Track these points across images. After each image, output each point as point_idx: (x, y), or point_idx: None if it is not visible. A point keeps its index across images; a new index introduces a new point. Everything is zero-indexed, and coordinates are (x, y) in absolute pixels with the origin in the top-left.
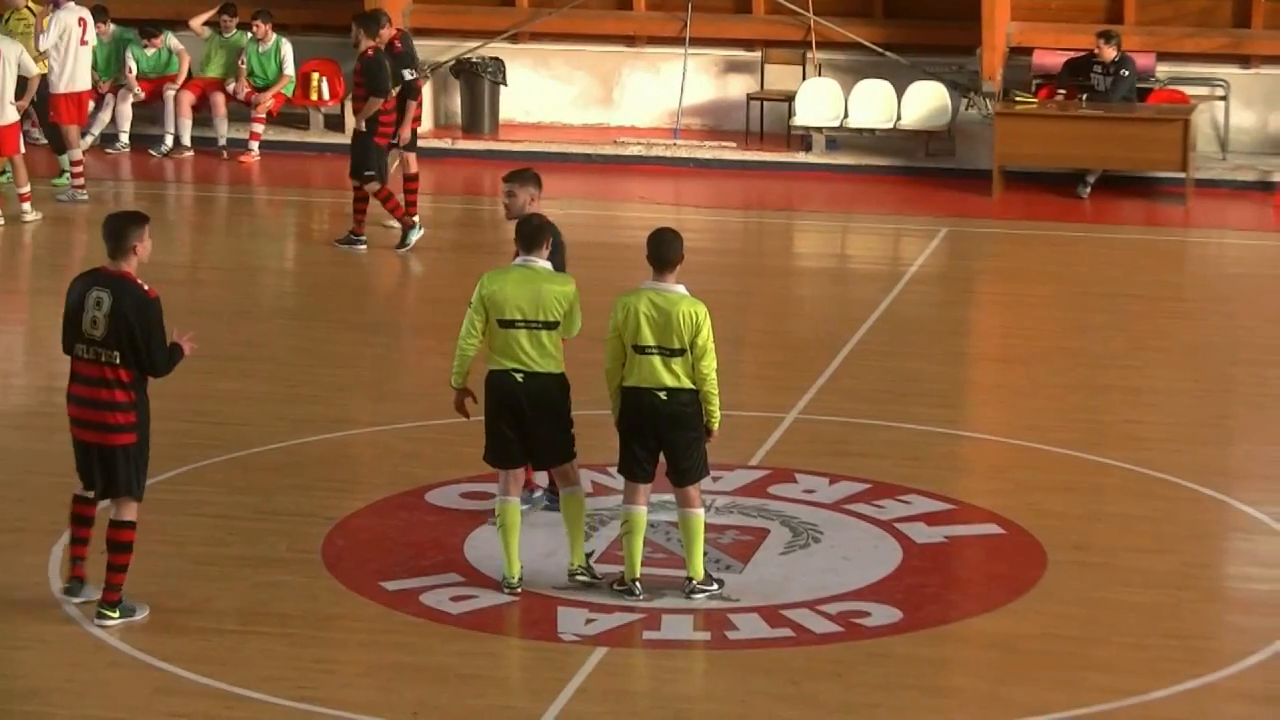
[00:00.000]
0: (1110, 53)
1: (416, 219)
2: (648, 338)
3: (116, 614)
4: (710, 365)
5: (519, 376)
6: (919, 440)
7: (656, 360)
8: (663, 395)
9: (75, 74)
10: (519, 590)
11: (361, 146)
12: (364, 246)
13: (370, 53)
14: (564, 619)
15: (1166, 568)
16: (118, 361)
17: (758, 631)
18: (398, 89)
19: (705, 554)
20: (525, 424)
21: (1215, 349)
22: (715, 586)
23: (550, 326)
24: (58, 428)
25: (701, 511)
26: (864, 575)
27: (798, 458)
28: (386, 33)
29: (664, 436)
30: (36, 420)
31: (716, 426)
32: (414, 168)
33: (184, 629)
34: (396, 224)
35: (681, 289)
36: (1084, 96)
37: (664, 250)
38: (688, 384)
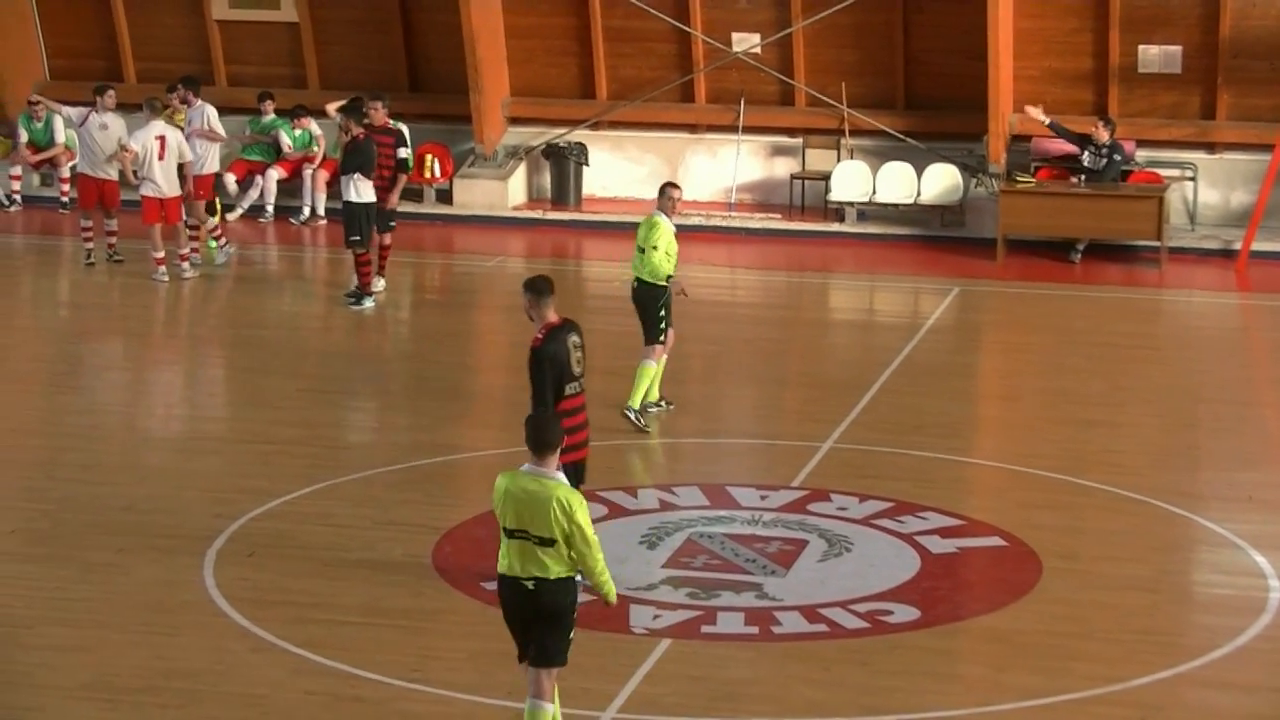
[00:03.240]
0: (1104, 135)
1: (382, 284)
2: (516, 522)
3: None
4: (592, 556)
5: (529, 584)
6: (933, 466)
7: (526, 546)
8: (530, 585)
9: (208, 160)
10: None
11: (349, 214)
12: (371, 302)
13: (360, 137)
14: (635, 615)
15: (1142, 574)
16: None
17: (797, 626)
18: (392, 164)
19: (754, 560)
20: (529, 627)
21: (1182, 390)
22: None
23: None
24: (206, 450)
25: (550, 706)
26: (888, 580)
27: (832, 480)
28: (379, 116)
29: (531, 627)
30: (189, 444)
31: (613, 598)
32: (388, 240)
33: (314, 620)
34: (354, 283)
35: (559, 476)
36: (1081, 177)
37: (542, 434)
38: (560, 573)
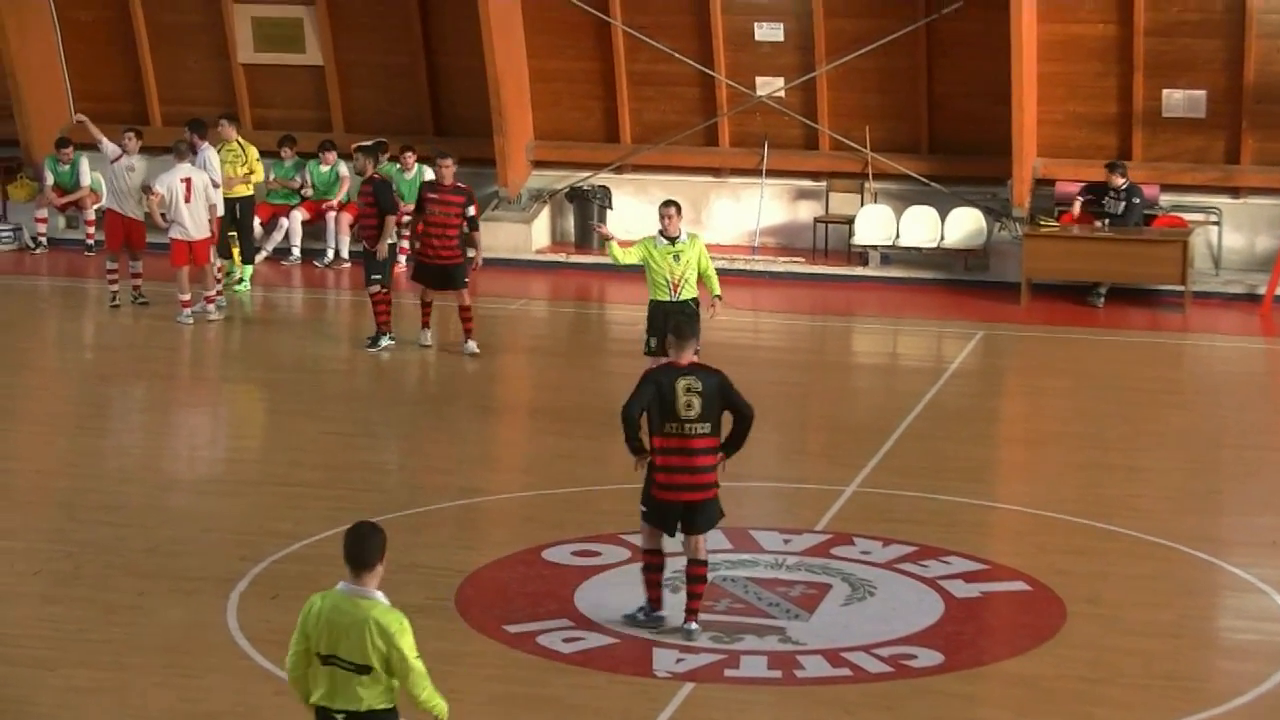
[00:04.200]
0: (1119, 180)
1: (474, 346)
2: (329, 647)
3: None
4: (416, 683)
5: (339, 718)
6: (957, 510)
7: (339, 674)
8: (340, 719)
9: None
10: None
11: (370, 256)
12: (386, 342)
13: (377, 175)
14: (659, 658)
15: (1165, 619)
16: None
17: (821, 670)
18: (459, 222)
19: (777, 604)
20: None
21: (1205, 434)
22: None
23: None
24: (230, 492)
25: None
26: (911, 624)
27: (855, 524)
28: (447, 174)
29: None
30: (213, 486)
31: (445, 717)
32: (468, 298)
33: None
34: (373, 325)
35: (379, 596)
36: (1105, 221)
37: (360, 549)
38: (375, 704)
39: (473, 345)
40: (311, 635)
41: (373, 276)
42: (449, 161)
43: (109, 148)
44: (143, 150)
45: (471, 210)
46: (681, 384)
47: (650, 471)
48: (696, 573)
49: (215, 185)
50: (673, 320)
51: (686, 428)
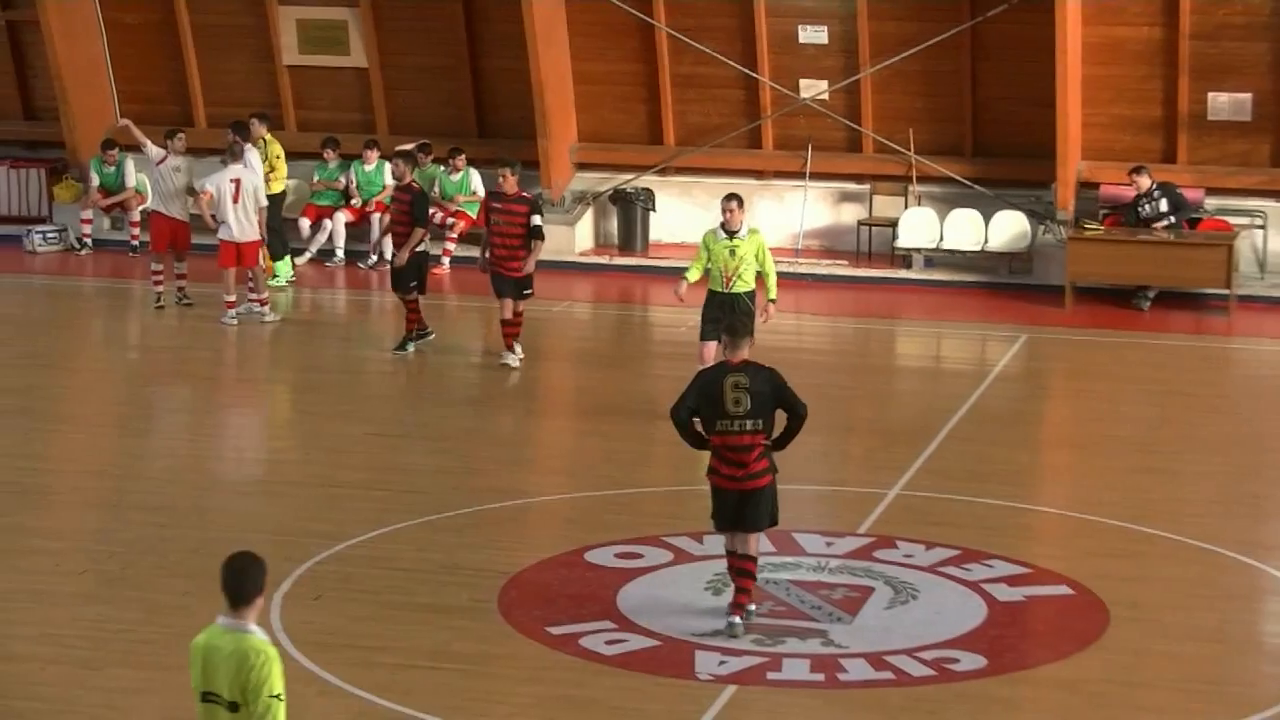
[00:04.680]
0: (1144, 182)
1: (517, 356)
2: (206, 683)
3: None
4: None
5: None
6: (1000, 513)
7: (215, 711)
8: None
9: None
10: None
11: (411, 264)
12: (413, 347)
13: (416, 185)
14: (700, 661)
15: (1209, 624)
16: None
17: (864, 674)
18: (523, 232)
19: (819, 607)
20: None
21: (1249, 439)
22: None
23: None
24: (274, 493)
25: None
26: (954, 627)
27: (898, 527)
28: (510, 184)
29: None
30: (257, 487)
31: None
32: (522, 307)
33: (379, 664)
34: (403, 333)
35: (254, 630)
36: (1160, 224)
37: (238, 582)
38: None
39: (512, 358)
40: (193, 673)
41: (410, 284)
42: (509, 172)
43: (153, 150)
44: (188, 151)
45: (536, 220)
46: (729, 381)
47: (709, 464)
48: (745, 568)
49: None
50: (726, 319)
51: (736, 424)
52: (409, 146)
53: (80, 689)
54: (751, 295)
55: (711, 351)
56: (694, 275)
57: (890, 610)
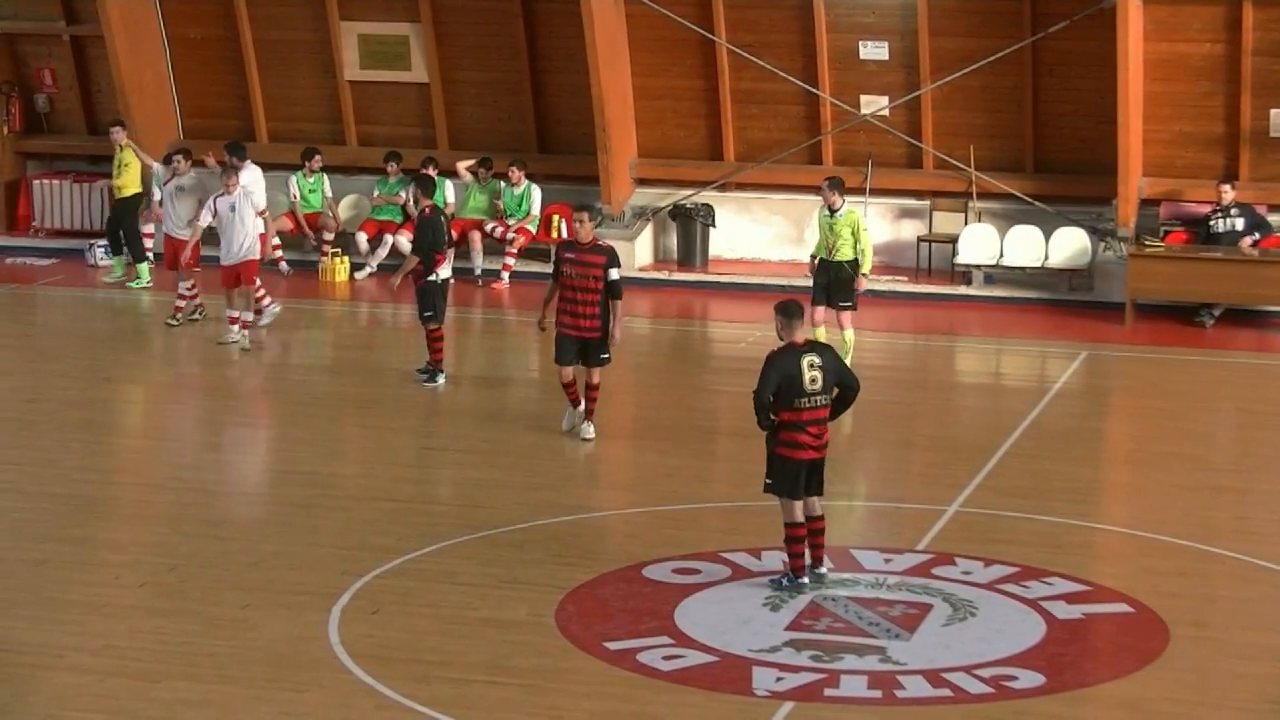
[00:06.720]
0: (1229, 195)
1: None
2: None
3: None
4: None
5: None
6: (1060, 531)
7: None
8: None
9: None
10: None
11: (423, 291)
12: (443, 379)
13: (429, 211)
14: (758, 677)
15: (1272, 643)
16: None
17: (921, 691)
18: (600, 286)
19: (877, 624)
20: None
21: None
22: None
23: None
24: (333, 507)
25: None
26: (1013, 645)
27: (957, 544)
28: (585, 231)
29: None
30: (316, 500)
31: None
32: (597, 377)
33: (439, 678)
34: (427, 361)
35: None
36: (1247, 240)
37: None
38: None
39: (589, 429)
40: None
41: (423, 313)
42: (585, 217)
43: (159, 170)
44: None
45: (614, 274)
46: (805, 361)
47: (776, 440)
48: (818, 527)
49: (260, 208)
50: (828, 282)
51: (812, 399)
52: (470, 162)
53: (140, 701)
54: (854, 264)
55: (819, 315)
56: (819, 251)
57: (948, 627)
